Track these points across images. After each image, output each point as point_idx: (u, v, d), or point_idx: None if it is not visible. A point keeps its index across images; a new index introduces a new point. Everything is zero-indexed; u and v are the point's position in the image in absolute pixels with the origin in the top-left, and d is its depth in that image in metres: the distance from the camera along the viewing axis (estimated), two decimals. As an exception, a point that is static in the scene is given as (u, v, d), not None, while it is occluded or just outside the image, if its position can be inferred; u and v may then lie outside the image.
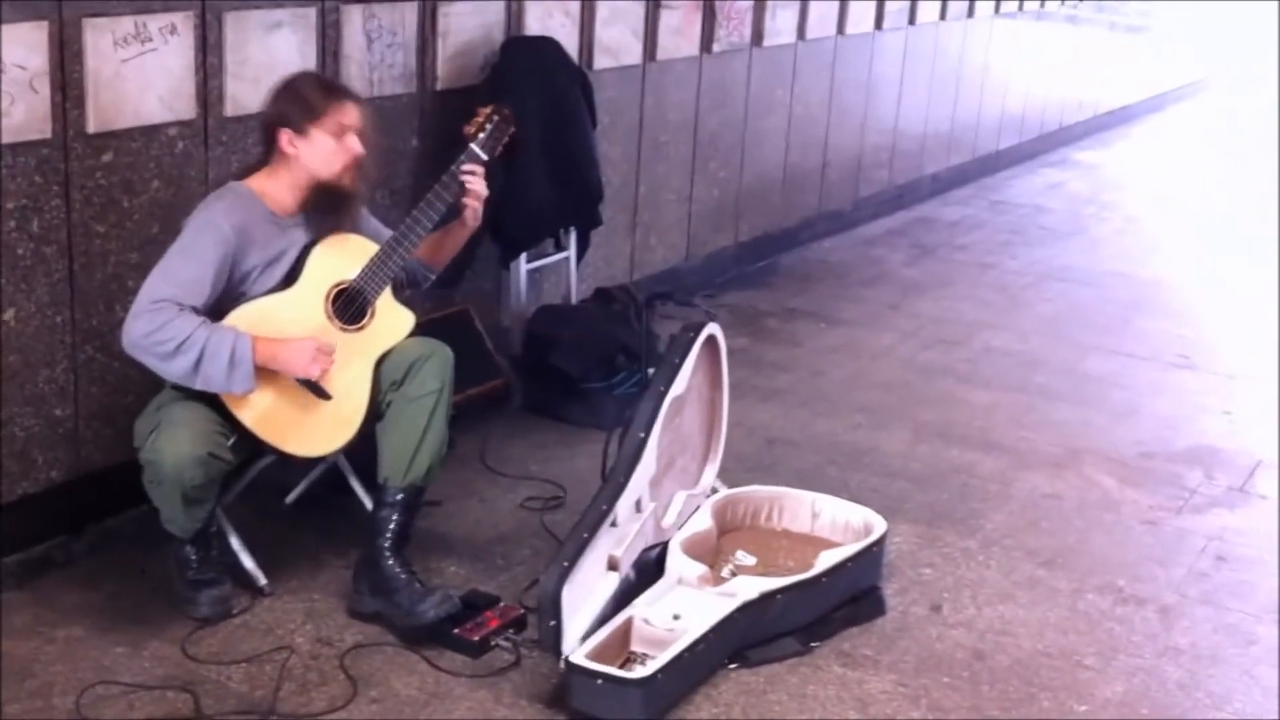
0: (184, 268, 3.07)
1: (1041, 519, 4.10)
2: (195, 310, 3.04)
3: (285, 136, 3.19)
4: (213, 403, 3.09)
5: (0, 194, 3.28)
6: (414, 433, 3.26)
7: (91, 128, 3.45)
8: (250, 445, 3.18)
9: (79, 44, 3.38)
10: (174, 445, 3.02)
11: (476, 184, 3.39)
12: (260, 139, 3.32)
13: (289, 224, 3.26)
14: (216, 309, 3.10)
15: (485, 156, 3.40)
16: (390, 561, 3.27)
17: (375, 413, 3.29)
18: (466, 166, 3.36)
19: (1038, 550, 3.88)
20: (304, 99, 3.20)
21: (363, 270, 3.26)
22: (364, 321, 3.27)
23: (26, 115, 3.29)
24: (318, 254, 3.24)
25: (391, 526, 3.29)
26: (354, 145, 3.22)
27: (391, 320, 3.32)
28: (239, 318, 3.11)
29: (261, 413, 3.13)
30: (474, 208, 3.43)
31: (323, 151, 3.20)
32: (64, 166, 3.41)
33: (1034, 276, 6.90)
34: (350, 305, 3.25)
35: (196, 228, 3.13)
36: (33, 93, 3.29)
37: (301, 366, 3.12)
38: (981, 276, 6.85)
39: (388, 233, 3.40)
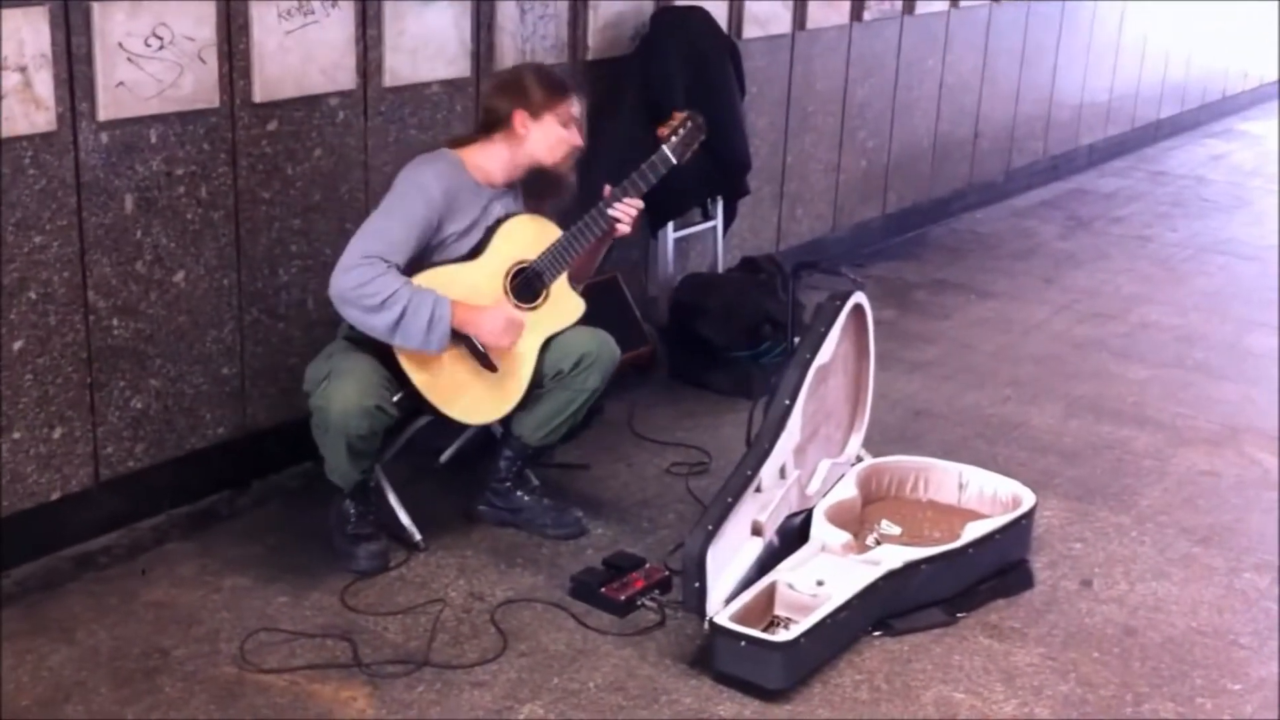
0: (393, 226, 3.19)
1: (1198, 496, 4.00)
2: (399, 268, 3.15)
3: (520, 117, 3.31)
4: (381, 356, 3.20)
5: (171, 161, 3.42)
6: (562, 412, 3.45)
7: (257, 97, 3.57)
8: (412, 403, 3.27)
9: (245, 16, 3.49)
10: (343, 395, 3.13)
11: (624, 228, 3.42)
12: (482, 116, 3.44)
13: (490, 195, 3.37)
14: (408, 268, 3.21)
15: (675, 160, 3.47)
16: (510, 487, 3.57)
17: (534, 385, 3.41)
18: (619, 208, 3.39)
19: (1193, 528, 3.79)
20: (541, 86, 3.35)
21: (544, 253, 3.36)
22: (538, 302, 3.37)
23: (195, 85, 3.42)
24: (504, 231, 3.35)
25: (513, 470, 3.57)
26: (577, 137, 3.38)
27: (564, 305, 3.42)
28: (425, 280, 3.21)
29: (430, 375, 3.23)
30: (623, 234, 3.47)
31: (551, 138, 3.34)
32: (231, 135, 3.54)
33: (1194, 250, 6.70)
34: (528, 285, 3.35)
35: (407, 188, 3.25)
36: (201, 63, 3.42)
37: (494, 335, 3.25)
38: (1139, 249, 6.68)
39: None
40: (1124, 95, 8.52)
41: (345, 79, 3.76)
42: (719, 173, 4.89)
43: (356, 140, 3.84)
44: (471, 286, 3.27)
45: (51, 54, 3.11)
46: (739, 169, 4.95)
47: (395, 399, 3.21)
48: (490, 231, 3.34)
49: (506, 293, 3.33)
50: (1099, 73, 8.09)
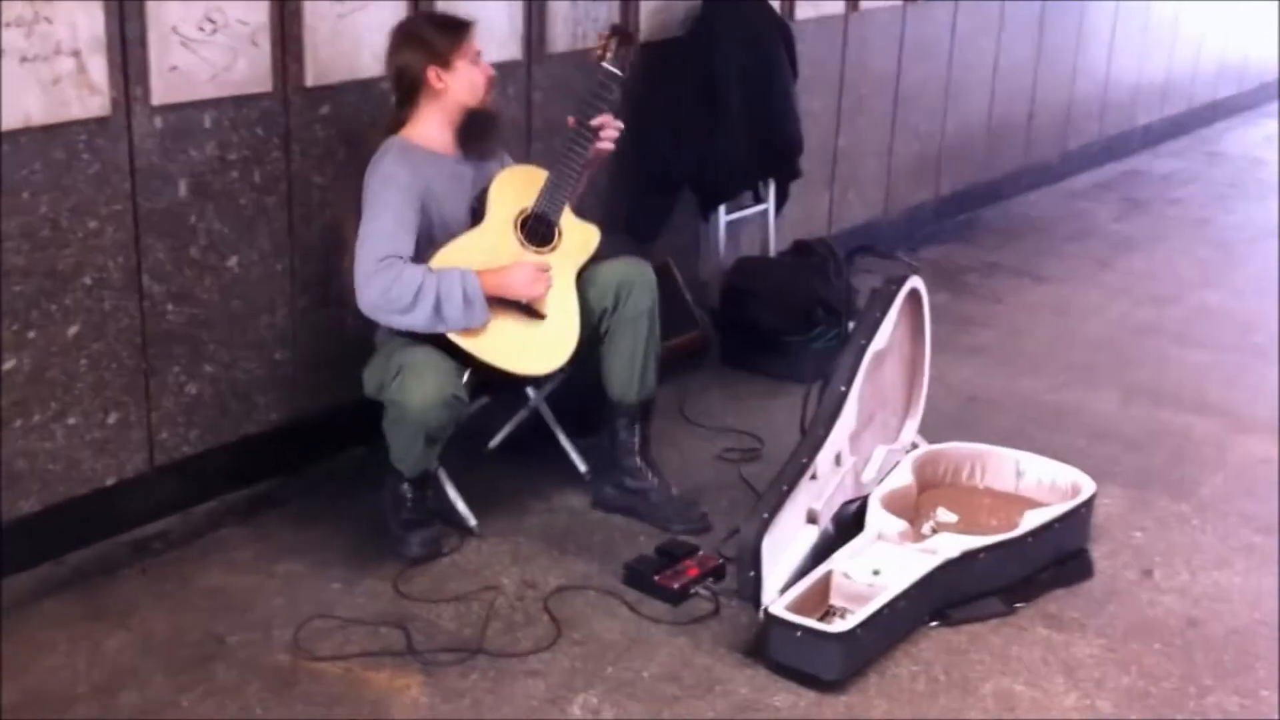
0: (386, 225, 3.19)
1: (1258, 484, 3.92)
2: (411, 260, 3.16)
3: (433, 73, 3.31)
4: (441, 344, 3.20)
5: (225, 145, 3.41)
6: (637, 352, 3.47)
7: (310, 81, 3.56)
8: (478, 383, 3.28)
9: (297, 0, 3.48)
10: (421, 388, 3.13)
11: (608, 144, 3.47)
12: (395, 90, 3.41)
13: (452, 160, 3.39)
14: (417, 254, 3.22)
15: (620, 73, 3.49)
16: (641, 467, 3.56)
17: (592, 336, 3.44)
18: (597, 121, 3.43)
19: (1255, 516, 3.72)
20: (438, 36, 3.34)
21: (540, 195, 3.39)
22: (555, 242, 3.39)
23: (248, 69, 3.41)
24: (496, 189, 3.38)
25: (636, 440, 3.55)
26: (487, 67, 3.39)
27: (580, 236, 3.45)
28: (443, 259, 3.22)
29: (488, 343, 3.24)
30: (608, 150, 3.51)
31: (467, 79, 3.35)
32: (284, 119, 3.53)
33: (1252, 232, 6.59)
34: (537, 229, 3.37)
35: (379, 186, 3.24)
36: (254, 47, 3.41)
37: (527, 287, 3.27)
38: (1196, 232, 6.58)
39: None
40: (1181, 75, 8.39)
41: (396, 62, 3.75)
42: (771, 155, 4.85)
43: (409, 124, 3.81)
44: (488, 251, 3.29)
45: (105, 38, 3.11)
46: (791, 151, 4.91)
47: (464, 380, 3.21)
48: (482, 195, 3.37)
49: (523, 244, 3.35)
50: (1156, 52, 7.97)
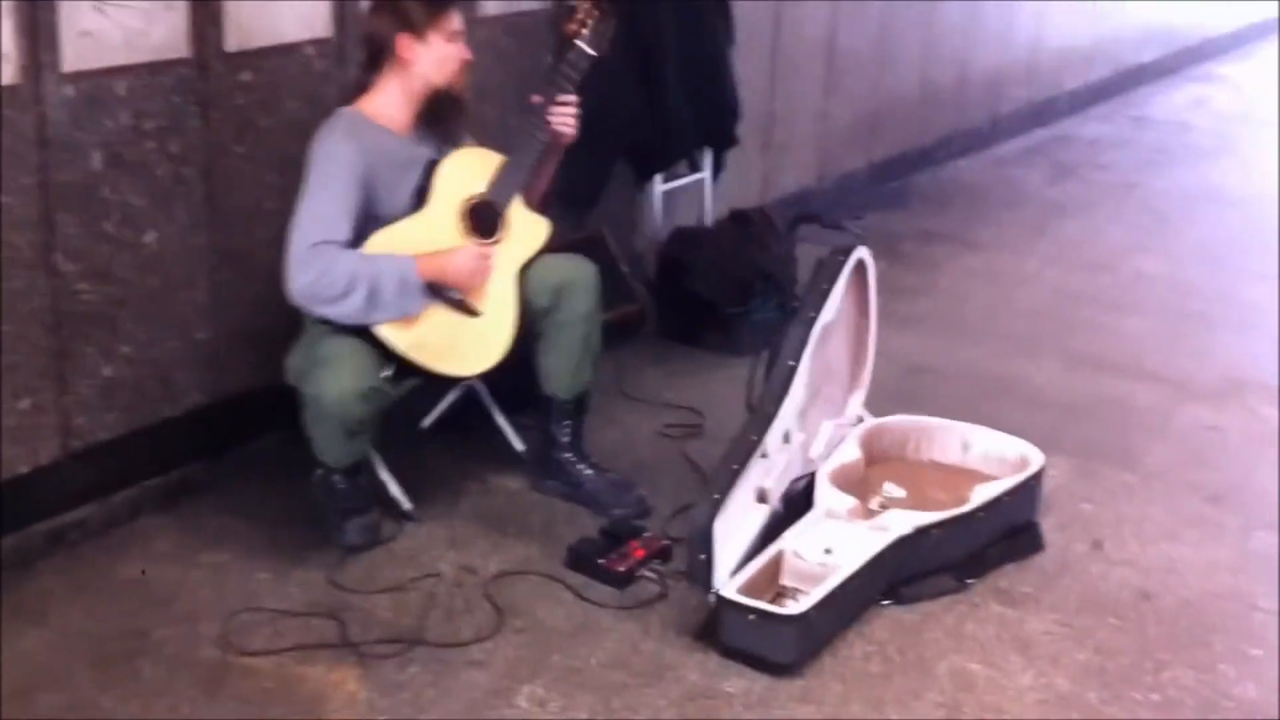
0: (324, 206, 3.03)
1: (1204, 452, 3.91)
2: (348, 244, 3.01)
3: (404, 42, 3.14)
4: (366, 334, 3.05)
5: (140, 114, 3.24)
6: (573, 352, 3.34)
7: (229, 46, 3.39)
8: (405, 375, 3.13)
9: (216, -40, 3.32)
10: (338, 382, 2.97)
11: (568, 130, 3.30)
12: (365, 49, 3.26)
13: (407, 140, 3.22)
14: (355, 236, 3.06)
15: (594, 53, 3.29)
16: (573, 460, 3.43)
17: (527, 332, 3.28)
18: (558, 112, 3.26)
19: (1202, 485, 3.70)
20: (417, 4, 3.15)
21: (492, 181, 3.22)
22: (500, 234, 3.22)
23: (165, 34, 3.23)
24: (444, 171, 3.20)
25: (566, 435, 3.42)
26: (465, 51, 3.22)
27: (527, 230, 3.28)
28: (379, 245, 3.06)
29: (415, 339, 3.08)
30: (569, 137, 3.34)
31: (440, 56, 3.17)
32: (202, 86, 3.36)
33: (1182, 198, 6.61)
34: (484, 219, 3.21)
35: (323, 161, 3.08)
36: (170, 10, 3.24)
37: (464, 275, 3.12)
38: (1127, 197, 6.58)
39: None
40: (1106, 38, 8.39)
41: (321, 26, 3.59)
42: (708, 122, 4.76)
43: (333, 90, 3.65)
44: (428, 237, 3.13)
45: (12, 1, 2.92)
46: (728, 118, 4.81)
47: (387, 375, 3.06)
48: (429, 175, 3.19)
49: (467, 233, 3.19)
50: (1081, 15, 7.96)
